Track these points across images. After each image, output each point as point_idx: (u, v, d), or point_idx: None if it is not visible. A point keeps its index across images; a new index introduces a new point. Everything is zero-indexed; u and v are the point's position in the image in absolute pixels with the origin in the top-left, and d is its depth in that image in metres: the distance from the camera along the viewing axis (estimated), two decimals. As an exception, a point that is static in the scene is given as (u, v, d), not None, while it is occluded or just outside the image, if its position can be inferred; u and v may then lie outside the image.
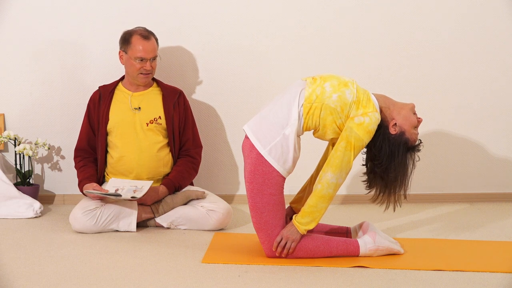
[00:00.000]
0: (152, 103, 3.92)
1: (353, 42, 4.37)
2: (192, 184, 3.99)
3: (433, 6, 4.37)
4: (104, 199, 3.68)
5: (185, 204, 3.78)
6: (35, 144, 4.20)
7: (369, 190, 3.24)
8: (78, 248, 3.34)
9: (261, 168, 3.12)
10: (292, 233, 3.13)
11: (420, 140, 3.21)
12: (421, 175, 4.34)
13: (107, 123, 3.88)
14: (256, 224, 3.17)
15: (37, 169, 4.39)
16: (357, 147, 3.10)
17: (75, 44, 4.30)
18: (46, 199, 4.35)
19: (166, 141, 3.91)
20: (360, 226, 3.35)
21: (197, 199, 3.80)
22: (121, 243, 3.43)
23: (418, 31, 4.38)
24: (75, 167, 3.94)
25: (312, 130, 3.21)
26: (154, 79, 4.00)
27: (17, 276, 2.90)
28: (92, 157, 3.94)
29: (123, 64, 3.90)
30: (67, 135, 4.34)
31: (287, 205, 3.35)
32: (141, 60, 3.83)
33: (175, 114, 3.92)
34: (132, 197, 3.59)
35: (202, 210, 3.72)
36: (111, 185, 3.72)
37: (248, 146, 3.17)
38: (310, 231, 3.25)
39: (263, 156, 3.11)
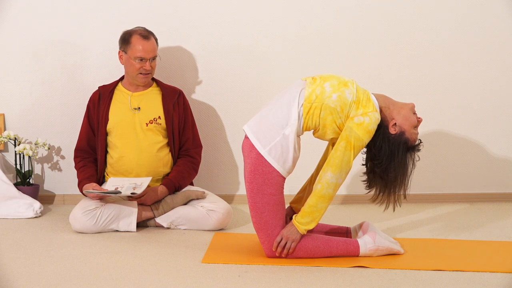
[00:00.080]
0: (152, 103, 3.91)
1: (353, 42, 4.37)
2: (192, 184, 3.99)
3: (433, 6, 4.37)
4: (104, 198, 3.68)
5: (185, 204, 3.78)
6: (35, 144, 4.20)
7: (369, 190, 3.24)
8: (78, 248, 3.34)
9: (261, 168, 3.11)
10: (292, 233, 3.13)
11: (420, 140, 3.21)
12: (421, 175, 4.34)
13: (107, 123, 3.88)
14: (256, 224, 3.17)
15: (37, 169, 4.38)
16: (357, 147, 3.09)
17: (75, 44, 4.30)
18: (46, 199, 4.35)
19: (165, 141, 3.90)
20: (360, 226, 3.35)
21: (197, 199, 3.79)
22: (121, 243, 3.43)
23: (418, 31, 4.38)
24: (75, 167, 3.94)
25: (312, 130, 3.21)
26: (153, 79, 4.00)
27: (17, 276, 2.90)
28: (92, 157, 3.94)
29: (123, 64, 3.90)
30: (67, 135, 4.34)
31: (287, 205, 3.35)
32: (141, 60, 3.83)
33: (175, 114, 3.92)
34: (132, 193, 3.59)
35: (202, 210, 3.72)
36: (111, 184, 3.71)
37: (248, 146, 3.17)
38: (310, 231, 3.25)
39: (263, 156, 3.11)
